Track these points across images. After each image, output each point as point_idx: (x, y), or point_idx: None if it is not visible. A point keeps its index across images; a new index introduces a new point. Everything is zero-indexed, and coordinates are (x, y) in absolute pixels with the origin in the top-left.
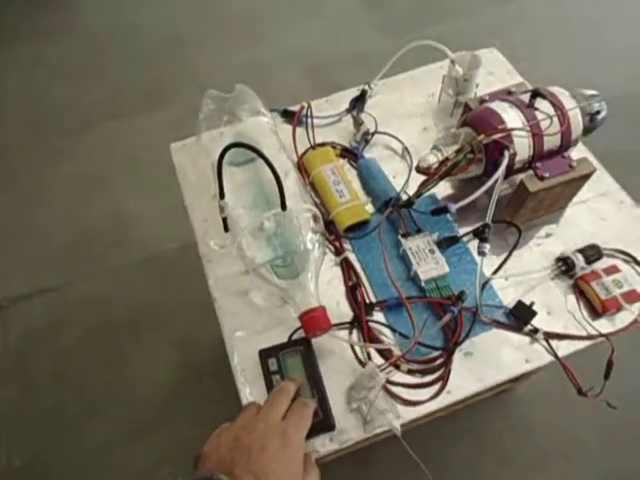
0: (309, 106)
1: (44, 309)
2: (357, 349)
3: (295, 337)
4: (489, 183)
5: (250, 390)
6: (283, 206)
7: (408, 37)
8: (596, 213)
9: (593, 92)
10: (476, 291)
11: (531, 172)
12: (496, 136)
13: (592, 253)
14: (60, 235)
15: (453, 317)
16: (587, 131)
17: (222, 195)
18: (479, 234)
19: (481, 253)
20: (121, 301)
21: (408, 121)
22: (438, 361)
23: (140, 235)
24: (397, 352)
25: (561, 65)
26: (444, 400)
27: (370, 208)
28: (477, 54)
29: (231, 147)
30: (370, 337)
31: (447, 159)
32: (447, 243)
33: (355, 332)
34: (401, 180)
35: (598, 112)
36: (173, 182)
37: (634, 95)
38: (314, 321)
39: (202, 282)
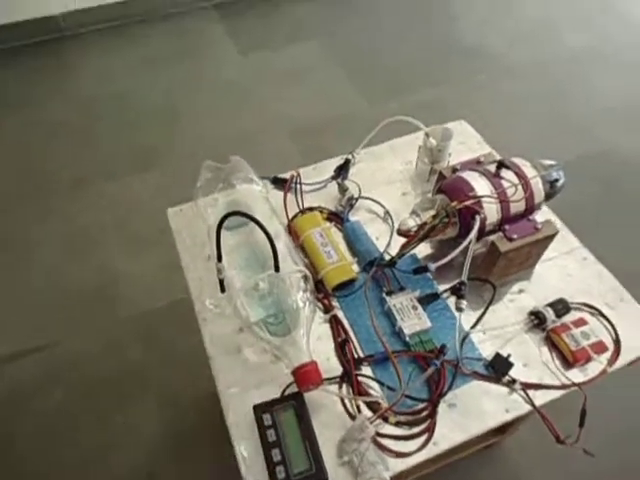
0: (298, 174)
1: (31, 369)
2: (347, 402)
3: (288, 392)
4: (464, 244)
5: (245, 446)
6: (276, 268)
7: (388, 103)
8: (563, 270)
9: (551, 162)
10: (456, 345)
11: (501, 234)
12: (467, 202)
13: (561, 307)
14: (49, 293)
15: (436, 370)
16: (548, 197)
17: (220, 258)
18: (456, 291)
19: (459, 309)
20: (109, 360)
21: (388, 187)
22: (424, 413)
23: (129, 293)
24: (385, 405)
25: (526, 132)
26: (431, 451)
27: (356, 268)
28: (449, 128)
29: (229, 215)
30: (359, 391)
31: (425, 223)
32: (428, 300)
33: (345, 386)
34: (384, 241)
35: (557, 180)
36: (161, 242)
37: (589, 157)
38: (306, 376)
39: (189, 339)
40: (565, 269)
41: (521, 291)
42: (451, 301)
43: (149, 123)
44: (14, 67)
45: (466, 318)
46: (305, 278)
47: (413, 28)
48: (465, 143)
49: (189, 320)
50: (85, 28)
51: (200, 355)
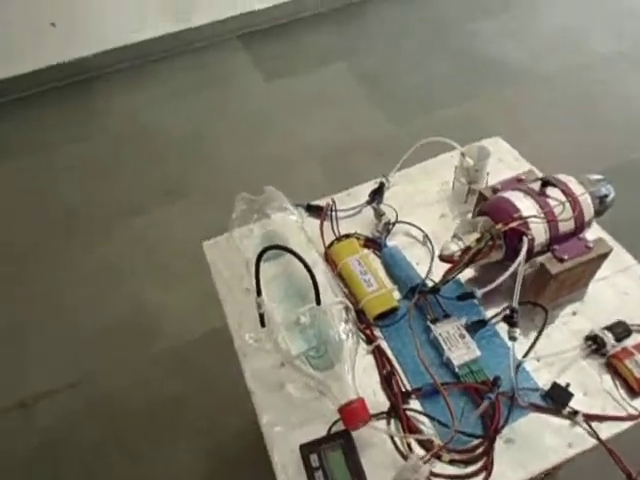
0: (333, 202)
1: (67, 405)
2: (397, 440)
3: (334, 430)
4: (512, 268)
5: None
6: (318, 301)
7: (414, 123)
8: (618, 289)
9: (598, 177)
10: (511, 375)
11: (550, 254)
12: (513, 224)
13: (620, 330)
14: (83, 328)
15: (490, 403)
16: (598, 213)
17: (259, 293)
18: (508, 319)
19: (512, 338)
20: (145, 394)
21: (425, 209)
22: (479, 450)
23: (163, 326)
24: (437, 442)
25: (562, 145)
26: None
27: (397, 295)
28: (485, 146)
29: (267, 250)
30: (409, 427)
31: (469, 247)
32: (475, 327)
33: (393, 422)
34: (424, 266)
35: (606, 195)
36: (193, 273)
37: (631, 166)
38: (354, 414)
39: (227, 370)
40: (620, 288)
41: (575, 313)
42: (500, 327)
43: (176, 156)
44: (45, 109)
45: (517, 345)
46: (346, 309)
47: (433, 46)
48: (502, 160)
49: (226, 351)
50: (111, 68)
51: (240, 387)
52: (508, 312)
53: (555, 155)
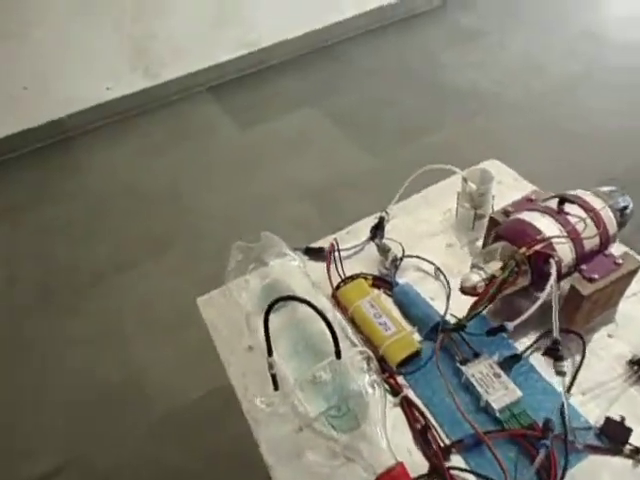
0: (336, 241)
1: None
2: None
3: None
4: (545, 293)
5: None
6: (338, 354)
7: (394, 154)
8: None
9: (612, 188)
10: (565, 414)
11: (578, 275)
12: (538, 247)
13: None
14: (73, 399)
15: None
16: (619, 226)
17: (270, 351)
18: (552, 352)
19: (560, 373)
20: (144, 467)
21: (430, 240)
22: None
23: (158, 389)
24: None
25: (546, 162)
26: None
27: (417, 337)
28: (487, 169)
29: (278, 301)
30: None
31: (494, 277)
32: (509, 363)
33: None
34: (441, 302)
35: (626, 207)
36: (186, 327)
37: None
38: None
39: (229, 432)
40: None
41: (610, 336)
42: (534, 360)
43: (159, 210)
44: (23, 171)
45: (556, 378)
46: (368, 358)
47: (403, 81)
48: (502, 182)
49: (229, 411)
50: (89, 126)
51: (248, 451)
52: (549, 344)
53: (541, 175)
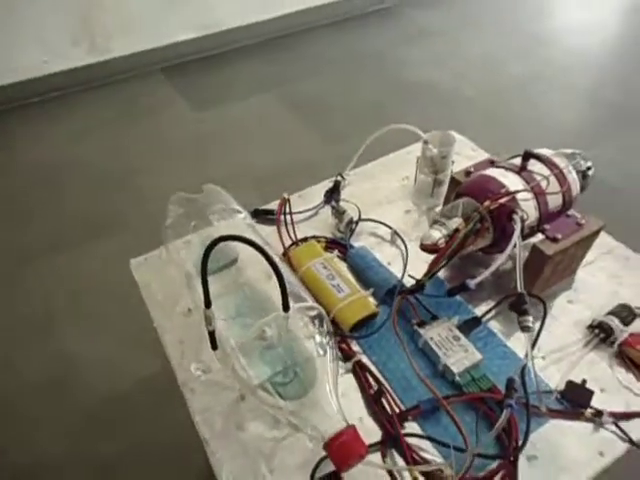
0: (288, 200)
1: None
2: (398, 475)
3: (319, 474)
4: (509, 247)
5: None
6: (285, 307)
7: (350, 143)
8: (608, 272)
9: (575, 150)
10: (529, 375)
11: (540, 236)
12: (503, 200)
13: (626, 314)
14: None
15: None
16: (581, 189)
17: (208, 304)
18: (517, 307)
19: (525, 328)
20: (77, 461)
21: (388, 206)
22: (500, 473)
23: (90, 378)
24: (449, 471)
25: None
26: None
27: (372, 300)
28: (448, 132)
29: (219, 241)
30: (413, 458)
31: (457, 231)
32: (469, 326)
33: (390, 453)
34: (397, 266)
35: (589, 168)
36: (122, 313)
37: None
38: (346, 447)
39: (166, 421)
40: (610, 270)
41: (570, 302)
42: (492, 325)
43: (102, 189)
44: None
45: (516, 343)
46: (319, 317)
47: (360, 73)
48: (460, 153)
49: (167, 398)
50: (26, 100)
51: (188, 437)
52: (514, 299)
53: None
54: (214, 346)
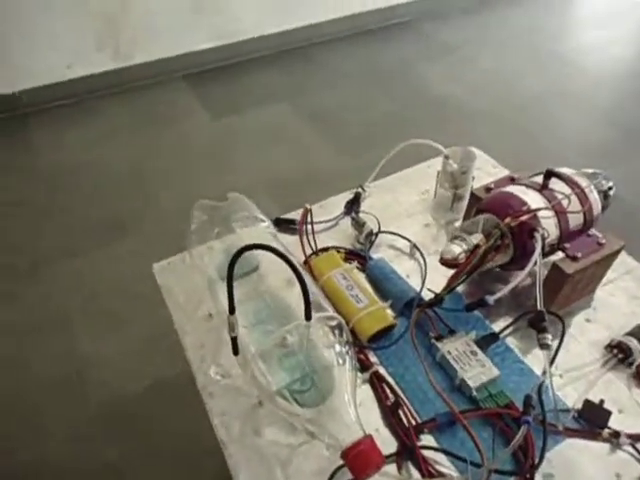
0: (310, 210)
1: None
2: None
3: None
4: (530, 264)
5: None
6: (308, 315)
7: (366, 156)
8: (628, 292)
9: (596, 170)
10: (551, 392)
11: (560, 254)
12: (524, 217)
13: None
14: (9, 390)
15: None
16: (603, 209)
17: (232, 310)
18: (536, 324)
19: (544, 346)
20: (83, 459)
21: (407, 220)
22: None
23: (101, 379)
24: None
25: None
26: None
27: (390, 312)
28: (469, 148)
29: (245, 250)
30: (428, 471)
31: (477, 247)
32: (487, 342)
33: (406, 465)
34: (416, 279)
35: (610, 188)
36: (136, 316)
37: None
38: (364, 457)
39: (178, 425)
40: (629, 291)
41: (588, 321)
42: (510, 342)
43: (118, 194)
44: None
45: (531, 361)
46: (339, 327)
47: (376, 86)
48: (481, 169)
49: (180, 402)
50: (47, 104)
51: (203, 440)
52: (534, 316)
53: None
54: (236, 351)
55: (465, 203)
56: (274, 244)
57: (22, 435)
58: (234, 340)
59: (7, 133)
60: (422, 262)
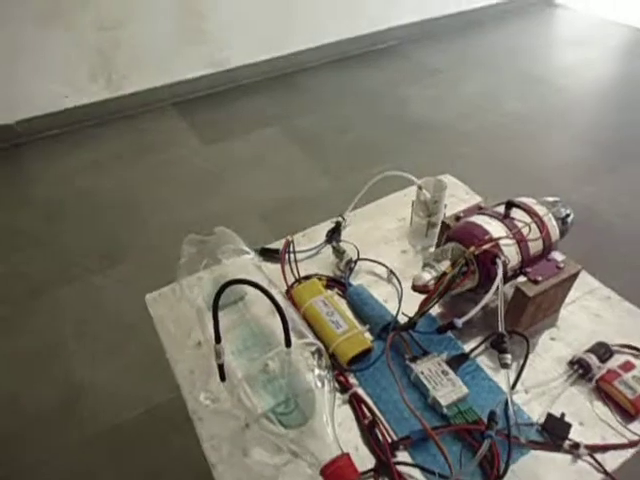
0: (292, 241)
1: None
2: None
3: None
4: (493, 289)
5: None
6: (287, 342)
7: (351, 178)
8: (589, 311)
9: (555, 198)
10: (510, 409)
11: (523, 278)
12: (486, 246)
13: (603, 351)
14: (4, 420)
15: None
16: (561, 234)
17: (218, 339)
18: (497, 345)
19: (504, 365)
20: None
21: (385, 246)
22: None
23: (96, 406)
24: None
25: (492, 188)
26: None
27: (369, 336)
28: (441, 179)
29: (229, 285)
30: None
31: (445, 274)
32: (458, 362)
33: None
34: (393, 304)
35: (568, 215)
36: (129, 342)
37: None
38: (340, 474)
39: (171, 449)
40: (592, 310)
41: (552, 339)
42: (480, 361)
43: (111, 222)
44: None
45: (500, 379)
46: (318, 352)
47: (361, 110)
48: (455, 195)
49: (172, 426)
50: (41, 134)
51: (193, 465)
52: (495, 338)
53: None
54: (222, 378)
55: (438, 229)
56: (258, 275)
57: (16, 465)
58: (221, 367)
59: (2, 162)
60: (399, 287)
